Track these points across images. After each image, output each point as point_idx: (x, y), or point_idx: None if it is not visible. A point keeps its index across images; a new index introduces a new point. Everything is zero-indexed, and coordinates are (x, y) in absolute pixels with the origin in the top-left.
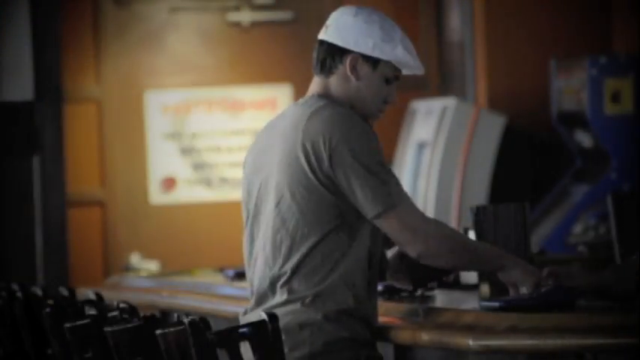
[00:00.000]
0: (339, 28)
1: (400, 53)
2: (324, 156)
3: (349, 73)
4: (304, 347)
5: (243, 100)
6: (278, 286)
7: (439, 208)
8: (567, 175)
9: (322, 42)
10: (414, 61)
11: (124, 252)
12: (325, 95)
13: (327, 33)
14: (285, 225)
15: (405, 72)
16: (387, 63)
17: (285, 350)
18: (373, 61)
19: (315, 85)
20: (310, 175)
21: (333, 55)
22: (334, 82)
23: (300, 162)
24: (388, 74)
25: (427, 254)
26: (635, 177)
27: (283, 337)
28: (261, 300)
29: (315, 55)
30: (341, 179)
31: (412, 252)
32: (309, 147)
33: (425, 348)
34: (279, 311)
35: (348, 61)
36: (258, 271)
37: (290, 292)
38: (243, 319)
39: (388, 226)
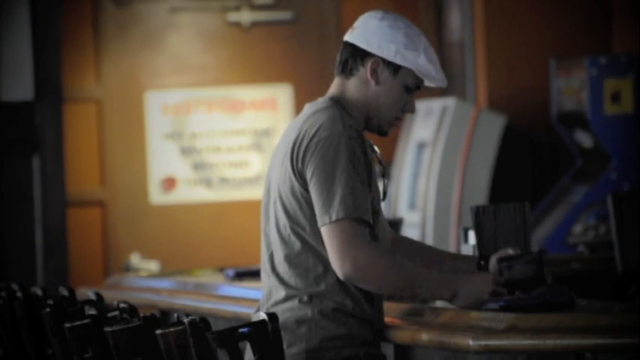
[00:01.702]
0: (364, 31)
1: (422, 62)
2: (301, 153)
3: (369, 77)
4: (301, 343)
5: (243, 100)
6: (278, 283)
7: (439, 208)
8: (567, 175)
9: (347, 43)
10: (437, 72)
11: (124, 252)
12: (339, 97)
13: (353, 35)
14: (277, 224)
15: (427, 83)
16: (409, 71)
17: (284, 346)
18: (394, 67)
19: (333, 86)
20: (291, 174)
21: (355, 57)
22: (353, 84)
23: (287, 161)
24: (409, 82)
25: (353, 279)
26: (635, 177)
27: (282, 334)
28: (268, 297)
29: (338, 55)
30: (307, 178)
31: (339, 273)
32: (295, 145)
33: (425, 348)
34: (279, 308)
35: (369, 64)
36: (266, 268)
37: (287, 289)
38: (255, 317)
39: (326, 239)
